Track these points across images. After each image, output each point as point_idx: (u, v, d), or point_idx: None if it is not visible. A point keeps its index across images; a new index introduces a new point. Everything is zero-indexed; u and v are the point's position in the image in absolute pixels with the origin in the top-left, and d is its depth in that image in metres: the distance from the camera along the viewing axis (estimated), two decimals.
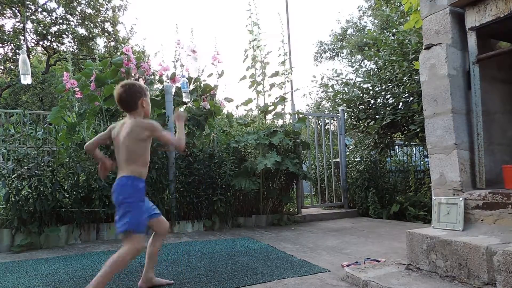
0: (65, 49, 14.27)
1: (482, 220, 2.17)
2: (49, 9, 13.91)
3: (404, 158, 6.85)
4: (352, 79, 6.65)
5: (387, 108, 5.62)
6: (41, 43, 14.58)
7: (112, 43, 15.34)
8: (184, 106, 4.97)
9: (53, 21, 14.04)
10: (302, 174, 4.92)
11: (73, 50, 14.32)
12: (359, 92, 6.15)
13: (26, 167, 3.48)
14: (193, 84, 5.01)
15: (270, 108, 5.03)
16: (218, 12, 49.62)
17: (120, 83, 2.17)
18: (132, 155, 2.06)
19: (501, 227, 2.05)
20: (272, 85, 5.02)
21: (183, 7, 47.98)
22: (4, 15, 13.15)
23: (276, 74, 5.04)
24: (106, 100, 4.34)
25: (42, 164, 3.58)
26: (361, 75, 6.56)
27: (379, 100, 5.97)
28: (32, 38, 14.26)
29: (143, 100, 2.13)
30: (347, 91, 6.39)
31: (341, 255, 3.01)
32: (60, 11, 14.10)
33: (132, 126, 2.07)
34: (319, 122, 6.18)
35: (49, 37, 14.19)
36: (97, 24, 14.73)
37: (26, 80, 3.37)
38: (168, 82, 4.82)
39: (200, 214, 4.38)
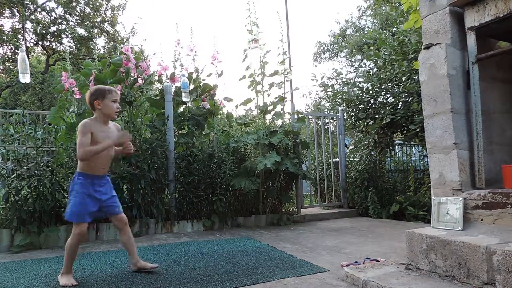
0: (63, 49, 14.26)
1: (481, 220, 2.17)
2: (48, 9, 13.90)
3: (403, 158, 6.86)
4: (351, 79, 6.66)
5: (387, 107, 5.62)
6: (40, 43, 14.57)
7: (111, 43, 15.33)
8: (184, 105, 4.96)
9: (52, 21, 14.03)
10: (301, 174, 4.92)
11: (72, 50, 14.30)
12: (359, 92, 6.15)
13: (25, 167, 3.47)
14: (192, 83, 5.01)
15: (270, 108, 5.02)
16: (218, 12, 49.61)
17: None
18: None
19: (500, 227, 2.05)
20: (271, 85, 5.01)
21: (183, 7, 47.95)
22: (3, 15, 13.13)
23: (275, 73, 5.02)
24: None
25: (42, 164, 3.57)
26: (361, 75, 6.56)
27: (378, 100, 5.97)
28: (31, 38, 14.25)
29: (97, 102, 2.39)
30: (346, 91, 6.39)
31: (340, 255, 3.01)
32: (59, 10, 14.10)
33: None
34: (319, 122, 6.19)
35: (48, 37, 14.18)
36: (96, 24, 14.72)
37: (25, 79, 3.36)
38: (167, 82, 4.82)
39: (200, 214, 4.38)
